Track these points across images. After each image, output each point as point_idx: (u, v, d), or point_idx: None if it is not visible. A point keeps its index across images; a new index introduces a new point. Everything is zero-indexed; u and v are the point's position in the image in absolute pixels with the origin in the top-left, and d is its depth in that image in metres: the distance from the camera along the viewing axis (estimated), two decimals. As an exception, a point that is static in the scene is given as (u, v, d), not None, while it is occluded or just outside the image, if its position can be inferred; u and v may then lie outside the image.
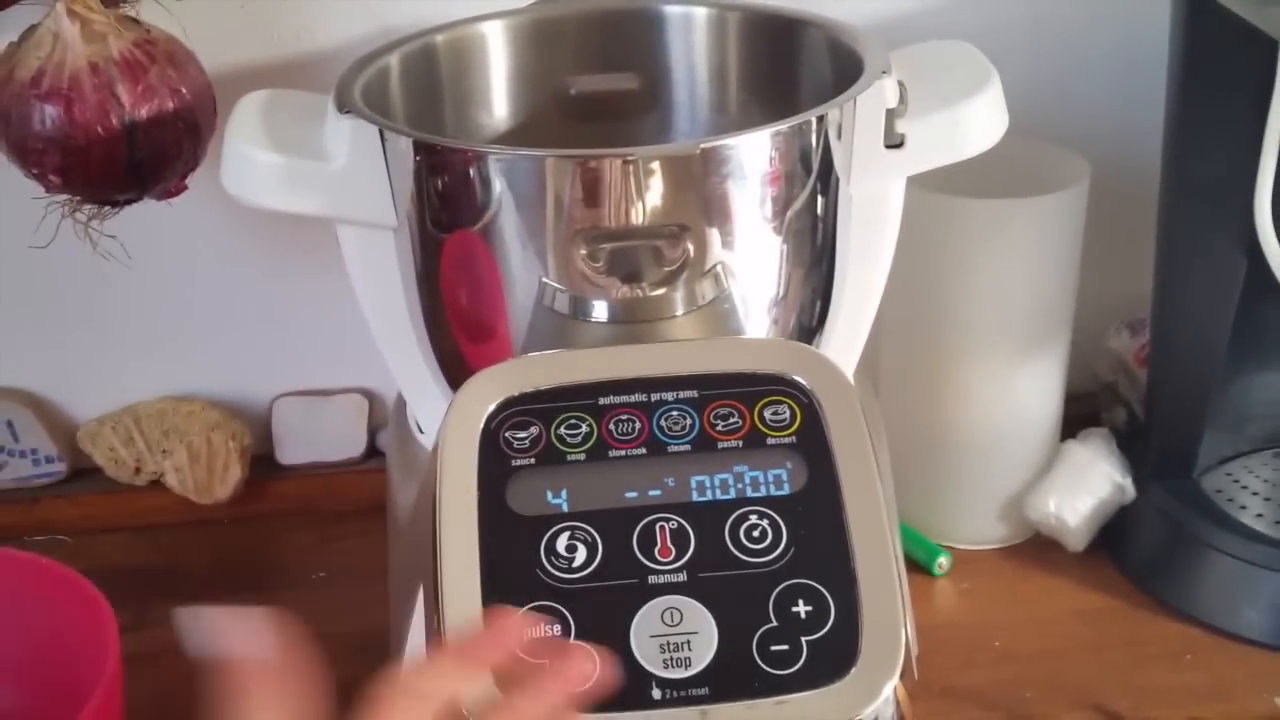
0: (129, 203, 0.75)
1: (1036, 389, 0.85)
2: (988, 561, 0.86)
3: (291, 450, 0.95)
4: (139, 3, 0.74)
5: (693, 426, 0.54)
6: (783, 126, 0.59)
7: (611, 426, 0.54)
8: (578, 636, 0.50)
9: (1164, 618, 0.80)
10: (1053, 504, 0.84)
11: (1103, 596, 0.82)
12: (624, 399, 0.55)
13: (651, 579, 0.51)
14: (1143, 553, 0.84)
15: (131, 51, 0.71)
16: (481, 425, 0.54)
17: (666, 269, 0.59)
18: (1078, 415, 0.90)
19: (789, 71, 0.73)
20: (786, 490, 0.53)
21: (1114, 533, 0.85)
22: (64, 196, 0.74)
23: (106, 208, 0.75)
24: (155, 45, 0.72)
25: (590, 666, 0.48)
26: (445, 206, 0.60)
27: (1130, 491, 0.84)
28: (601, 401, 0.55)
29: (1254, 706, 0.74)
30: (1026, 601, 0.82)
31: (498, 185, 0.58)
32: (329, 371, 0.95)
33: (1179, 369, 0.83)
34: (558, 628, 0.50)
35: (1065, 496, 0.84)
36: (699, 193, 0.58)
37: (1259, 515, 0.81)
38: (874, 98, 0.61)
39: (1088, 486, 0.84)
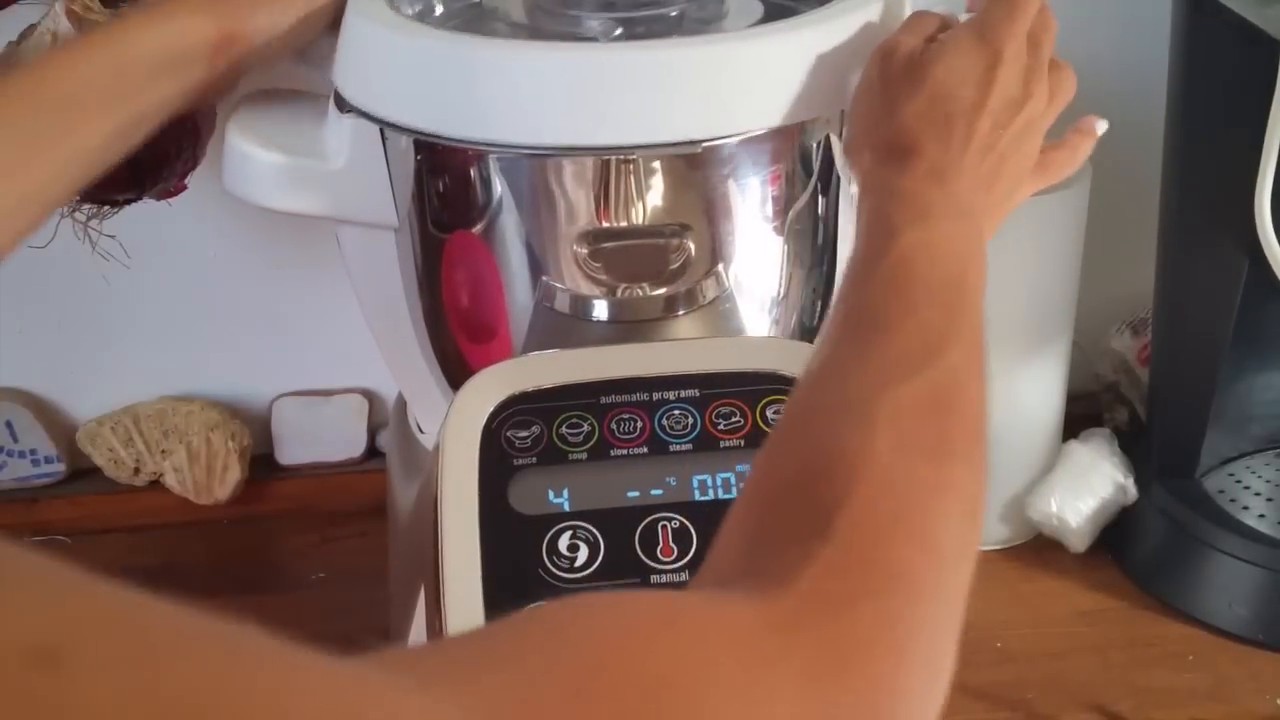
0: (128, 203, 0.75)
1: (1038, 389, 0.85)
2: (989, 562, 0.86)
3: (291, 450, 0.95)
4: (136, 2, 0.74)
5: (694, 425, 0.54)
6: (784, 126, 0.59)
7: (613, 426, 0.54)
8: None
9: (1166, 618, 0.80)
10: (1054, 504, 0.84)
11: (1105, 597, 0.82)
12: (626, 398, 0.55)
13: (654, 579, 0.51)
14: (1145, 553, 0.84)
15: (131, 51, 0.71)
16: (483, 424, 0.54)
17: (667, 268, 0.59)
18: (1079, 415, 0.90)
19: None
20: (788, 490, 0.53)
21: (1116, 533, 0.85)
22: (63, 196, 0.73)
23: (105, 207, 0.75)
24: (155, 45, 0.72)
25: None
26: (446, 206, 0.60)
27: (1132, 492, 0.84)
28: (603, 401, 0.55)
29: (1256, 707, 0.73)
30: (1028, 602, 0.82)
31: (499, 184, 0.58)
32: (329, 371, 0.94)
33: (1181, 369, 0.83)
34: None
35: (1067, 497, 0.84)
36: (700, 192, 0.58)
37: (1261, 516, 0.81)
38: (875, 97, 0.61)
39: (1090, 487, 0.84)
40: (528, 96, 0.54)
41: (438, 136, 0.57)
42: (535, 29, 0.63)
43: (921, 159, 0.50)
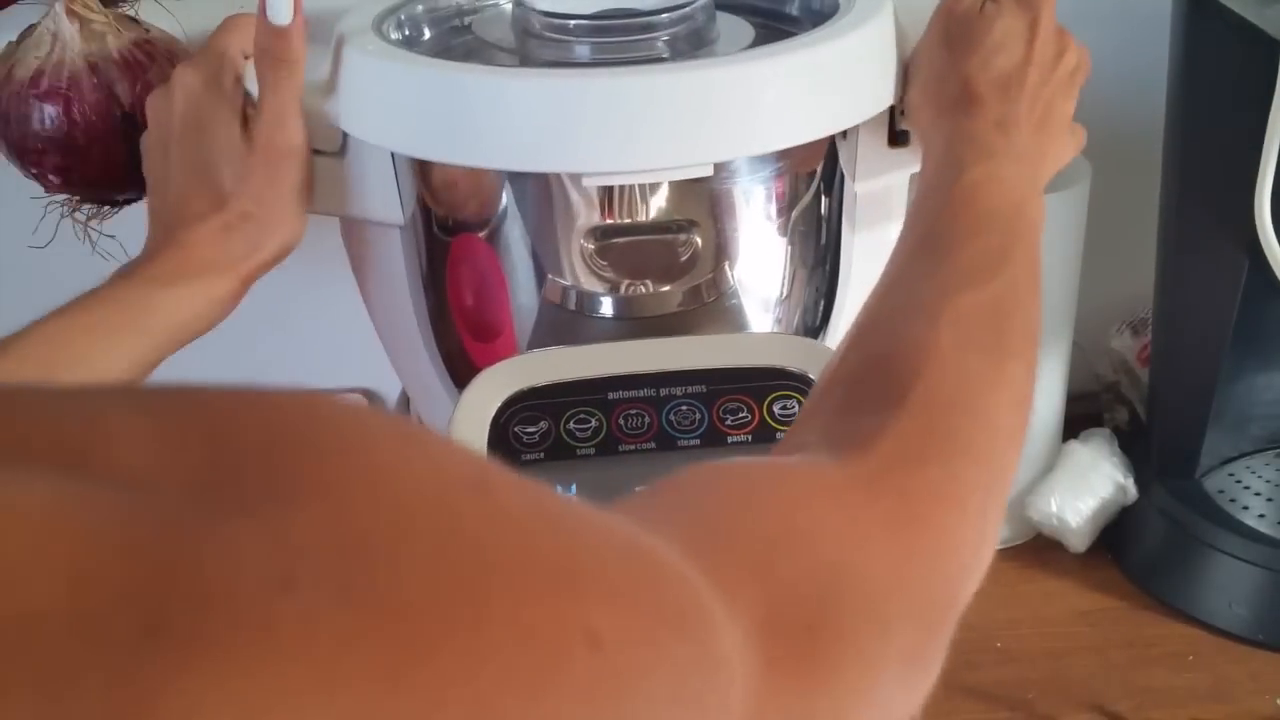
0: (128, 202, 0.74)
1: (1038, 389, 0.84)
2: (989, 562, 0.86)
3: (290, 452, 0.95)
4: (138, 2, 0.74)
5: (702, 421, 0.54)
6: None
7: (621, 421, 0.54)
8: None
9: (1166, 618, 0.80)
10: (1054, 504, 0.84)
11: (1104, 597, 0.82)
12: (634, 394, 0.55)
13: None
14: (1145, 553, 0.84)
15: (130, 51, 0.70)
16: (490, 420, 0.54)
17: (674, 265, 0.59)
18: (1080, 415, 0.90)
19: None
20: (796, 485, 0.53)
21: (1116, 533, 0.85)
22: (63, 196, 0.73)
23: (106, 207, 0.74)
24: (154, 45, 0.72)
25: None
26: (452, 204, 0.60)
27: (1132, 492, 0.84)
28: (611, 396, 0.55)
29: (1256, 707, 0.73)
30: (1028, 602, 0.82)
31: (504, 182, 0.58)
32: (329, 371, 0.94)
33: (1181, 369, 0.83)
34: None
35: (1067, 497, 0.84)
36: (706, 190, 0.58)
37: (1261, 516, 0.81)
38: (879, 95, 0.61)
39: (1090, 487, 0.84)
40: (528, 126, 0.52)
41: (432, 161, 0.56)
42: (524, 56, 0.61)
43: (987, 109, 0.56)
